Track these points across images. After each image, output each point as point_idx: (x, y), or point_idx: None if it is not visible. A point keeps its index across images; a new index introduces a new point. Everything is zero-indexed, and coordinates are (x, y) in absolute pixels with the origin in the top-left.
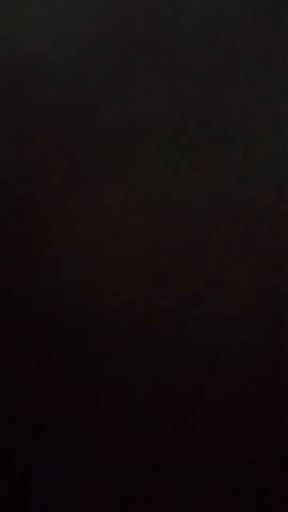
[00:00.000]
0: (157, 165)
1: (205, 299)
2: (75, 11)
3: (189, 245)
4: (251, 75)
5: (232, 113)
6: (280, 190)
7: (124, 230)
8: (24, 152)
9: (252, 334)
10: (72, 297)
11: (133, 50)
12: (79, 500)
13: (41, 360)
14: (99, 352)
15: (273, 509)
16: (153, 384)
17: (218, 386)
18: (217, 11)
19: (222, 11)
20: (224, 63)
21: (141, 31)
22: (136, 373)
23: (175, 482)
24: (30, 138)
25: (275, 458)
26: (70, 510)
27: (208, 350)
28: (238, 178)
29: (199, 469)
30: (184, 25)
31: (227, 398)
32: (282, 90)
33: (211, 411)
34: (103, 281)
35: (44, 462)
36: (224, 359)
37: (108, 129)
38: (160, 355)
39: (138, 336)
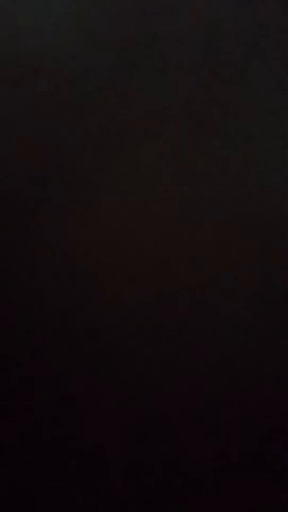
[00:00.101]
0: (157, 165)
1: (205, 299)
2: (75, 11)
3: (189, 245)
4: (251, 75)
5: (232, 113)
6: (281, 190)
7: (124, 229)
8: (24, 152)
9: (252, 334)
10: (72, 297)
11: (133, 50)
12: (79, 500)
13: (40, 360)
14: (99, 352)
15: (273, 509)
16: (153, 384)
17: (218, 386)
18: (217, 10)
19: (222, 10)
20: (224, 63)
21: (141, 31)
22: (136, 373)
23: (175, 482)
24: (30, 138)
25: (275, 458)
26: (70, 510)
27: (209, 350)
28: (238, 178)
29: (199, 470)
30: (184, 25)
31: (228, 398)
32: (282, 90)
33: (211, 412)
34: (103, 281)
35: (44, 462)
36: (225, 359)
37: (108, 129)
38: (160, 355)
39: (138, 336)
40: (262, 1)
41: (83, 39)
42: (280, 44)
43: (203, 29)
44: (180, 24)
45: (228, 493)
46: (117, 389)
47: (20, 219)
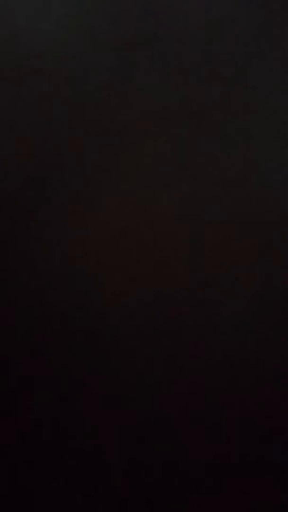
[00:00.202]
0: (157, 165)
1: (205, 299)
2: (75, 11)
3: (189, 244)
4: (251, 75)
5: (232, 113)
6: (281, 190)
7: (124, 229)
8: (24, 152)
9: (252, 334)
10: (72, 297)
11: (133, 50)
12: (79, 500)
13: (40, 360)
14: (99, 352)
15: (273, 509)
16: (153, 384)
17: (218, 386)
18: (217, 10)
19: (222, 10)
20: (224, 63)
21: (141, 31)
22: (136, 373)
23: (175, 482)
24: (30, 138)
25: (275, 458)
26: (70, 510)
27: (209, 350)
28: (238, 178)
29: (199, 470)
30: (184, 25)
31: (228, 398)
32: (282, 90)
33: (211, 412)
34: (103, 281)
35: (44, 462)
36: (225, 359)
37: (108, 129)
38: (160, 355)
39: (138, 336)
40: (262, 1)
41: (83, 39)
42: (280, 44)
43: (203, 29)
44: (180, 24)
45: (228, 493)
46: (117, 389)
47: (20, 219)
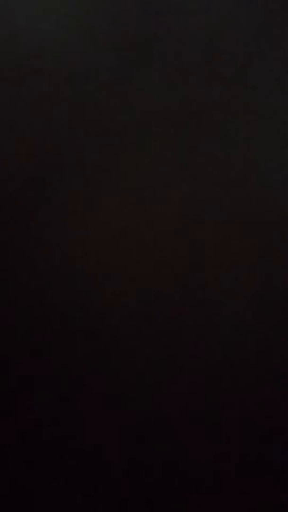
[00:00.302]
0: (157, 165)
1: (205, 299)
2: (75, 11)
3: (189, 245)
4: (251, 75)
5: (232, 113)
6: (281, 190)
7: (124, 229)
8: (24, 152)
9: (252, 334)
10: (72, 297)
11: (133, 50)
12: (79, 500)
13: (40, 360)
14: (99, 352)
15: (273, 509)
16: (153, 384)
17: (218, 386)
18: (217, 10)
19: (222, 10)
20: (224, 63)
21: (141, 31)
22: (136, 373)
23: (175, 482)
24: (30, 138)
25: (275, 458)
26: (70, 510)
27: (209, 350)
28: (238, 178)
29: (199, 470)
30: (184, 25)
31: (228, 398)
32: (282, 90)
33: (211, 412)
34: (103, 281)
35: (44, 462)
36: (225, 359)
37: (108, 129)
38: (160, 355)
39: (138, 336)
40: (262, 1)
41: (83, 39)
42: (280, 44)
43: (203, 29)
44: (180, 24)
45: (228, 493)
46: (117, 389)
47: (20, 219)
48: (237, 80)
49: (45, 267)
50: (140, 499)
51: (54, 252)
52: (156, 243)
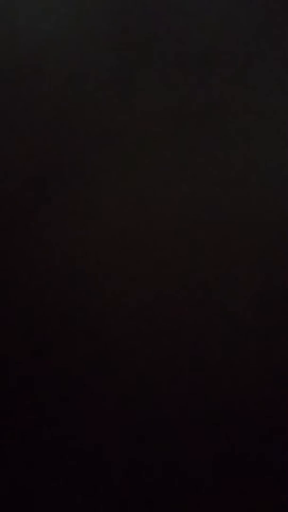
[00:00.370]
0: (157, 165)
1: (205, 299)
2: (75, 11)
3: (189, 245)
4: (251, 75)
5: (232, 113)
6: (281, 190)
7: (124, 229)
8: (24, 152)
9: (252, 334)
10: (72, 297)
11: (133, 50)
12: (79, 500)
13: (40, 360)
14: (99, 352)
15: (273, 509)
16: (153, 384)
17: (218, 386)
18: (217, 11)
19: (222, 10)
20: (224, 63)
21: (141, 31)
22: (136, 373)
23: (175, 482)
24: (30, 138)
25: (275, 458)
26: (70, 510)
27: (209, 350)
28: (238, 178)
29: (199, 470)
30: (184, 25)
31: (228, 398)
32: (282, 90)
33: (211, 412)
34: (103, 281)
35: (44, 462)
36: (225, 359)
37: (108, 129)
38: (160, 355)
39: (138, 336)
40: (262, 1)
41: (83, 39)
42: (280, 44)
43: (203, 29)
44: (180, 24)
45: (228, 493)
46: (117, 389)
47: (20, 219)
48: (237, 80)
49: (45, 267)
50: (140, 499)
51: (54, 252)
52: (156, 243)
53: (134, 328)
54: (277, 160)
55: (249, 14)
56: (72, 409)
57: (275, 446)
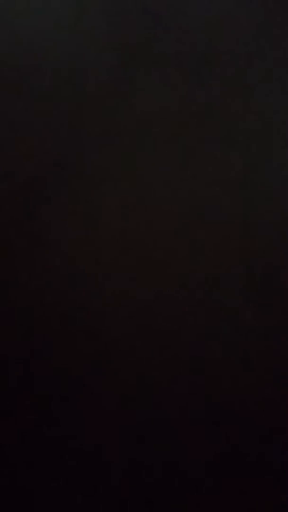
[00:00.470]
0: (157, 165)
1: (205, 299)
2: (75, 11)
3: (189, 245)
4: (251, 75)
5: (232, 113)
6: (281, 190)
7: (124, 229)
8: (24, 152)
9: (252, 334)
10: (72, 297)
11: (133, 50)
12: (79, 500)
13: (40, 360)
14: (99, 352)
15: (273, 509)
16: (153, 384)
17: (218, 386)
18: (217, 10)
19: (222, 10)
20: (224, 63)
21: (141, 31)
22: (136, 373)
23: (175, 482)
24: (30, 138)
25: (275, 458)
26: (70, 510)
27: (209, 350)
28: (238, 178)
29: (199, 470)
30: (184, 25)
31: (228, 398)
32: (282, 90)
33: (211, 412)
34: (103, 281)
35: (44, 462)
36: (224, 359)
37: (108, 129)
38: (160, 355)
39: (138, 336)
40: (262, 1)
41: (83, 39)
42: (280, 44)
43: (203, 29)
44: (180, 24)
45: (228, 493)
46: (117, 389)
47: (20, 219)
48: (237, 80)
49: (45, 267)
50: (140, 499)
51: (54, 252)
52: (156, 243)
53: (134, 328)
54: (277, 160)
55: (249, 14)
56: (72, 409)
57: (275, 446)
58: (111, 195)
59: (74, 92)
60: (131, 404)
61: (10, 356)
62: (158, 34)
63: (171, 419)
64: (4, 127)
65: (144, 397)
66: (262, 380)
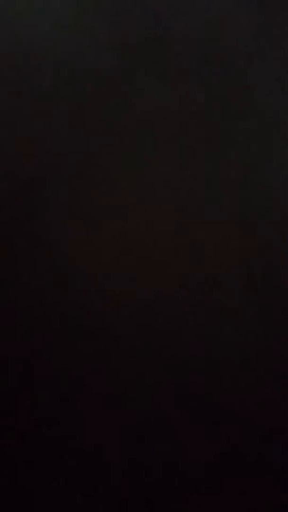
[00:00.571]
0: (157, 165)
1: (206, 299)
2: (75, 11)
3: (189, 245)
4: (251, 75)
5: (232, 113)
6: (281, 190)
7: (124, 229)
8: (24, 152)
9: (252, 334)
10: (72, 297)
11: (133, 50)
12: (79, 500)
13: (40, 360)
14: (99, 352)
15: (273, 509)
16: (153, 384)
17: (218, 386)
18: (217, 10)
19: (222, 10)
20: (224, 63)
21: (141, 31)
22: (136, 373)
23: (175, 482)
24: (30, 138)
25: (275, 458)
26: (70, 510)
27: (209, 350)
28: (238, 178)
29: (199, 470)
30: (184, 25)
31: (228, 398)
32: (282, 90)
33: (211, 412)
34: (103, 281)
35: (44, 462)
36: (225, 359)
37: (108, 129)
38: (160, 355)
39: (138, 336)
40: (262, 1)
41: (83, 39)
42: (280, 44)
43: (203, 29)
44: (180, 24)
45: (228, 493)
46: (117, 389)
47: (20, 219)
48: (237, 80)
49: (45, 267)
50: (140, 499)
51: (54, 252)
52: (156, 243)
53: (134, 328)
54: (277, 160)
55: (249, 14)
56: (72, 409)
57: (275, 446)
58: (111, 195)
59: (74, 92)
60: (131, 404)
61: (10, 356)
62: (158, 34)
63: (171, 419)
64: (4, 127)
65: (144, 397)
66: (262, 380)
